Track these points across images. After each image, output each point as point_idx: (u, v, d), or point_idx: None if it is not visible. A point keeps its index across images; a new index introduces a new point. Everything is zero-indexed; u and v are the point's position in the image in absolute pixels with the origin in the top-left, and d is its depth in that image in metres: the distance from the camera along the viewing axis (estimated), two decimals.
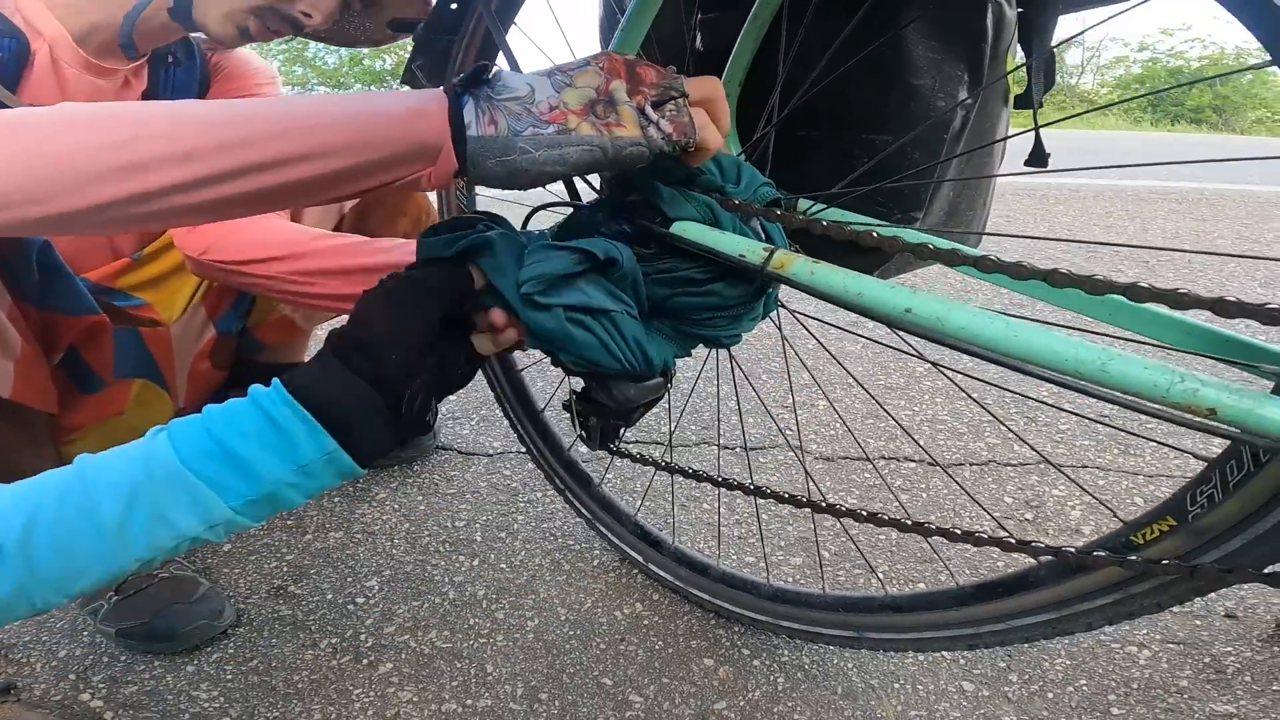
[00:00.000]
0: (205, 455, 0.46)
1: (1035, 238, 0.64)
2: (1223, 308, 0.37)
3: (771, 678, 0.81)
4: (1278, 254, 2.19)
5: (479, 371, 0.60)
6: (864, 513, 0.59)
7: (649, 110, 0.49)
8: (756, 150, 0.62)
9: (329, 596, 0.98)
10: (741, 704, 0.78)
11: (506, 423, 1.35)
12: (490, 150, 0.48)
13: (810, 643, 0.83)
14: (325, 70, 15.67)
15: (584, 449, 1.08)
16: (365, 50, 15.75)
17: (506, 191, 0.54)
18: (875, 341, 0.74)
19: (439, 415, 1.41)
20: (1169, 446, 0.75)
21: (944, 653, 0.83)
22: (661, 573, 0.90)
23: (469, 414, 1.43)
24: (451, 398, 1.51)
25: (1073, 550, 0.53)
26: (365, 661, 0.87)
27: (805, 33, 0.55)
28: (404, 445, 1.27)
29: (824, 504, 0.62)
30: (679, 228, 0.51)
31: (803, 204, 0.62)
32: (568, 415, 0.70)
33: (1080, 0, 0.63)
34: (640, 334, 0.53)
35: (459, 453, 1.30)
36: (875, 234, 0.44)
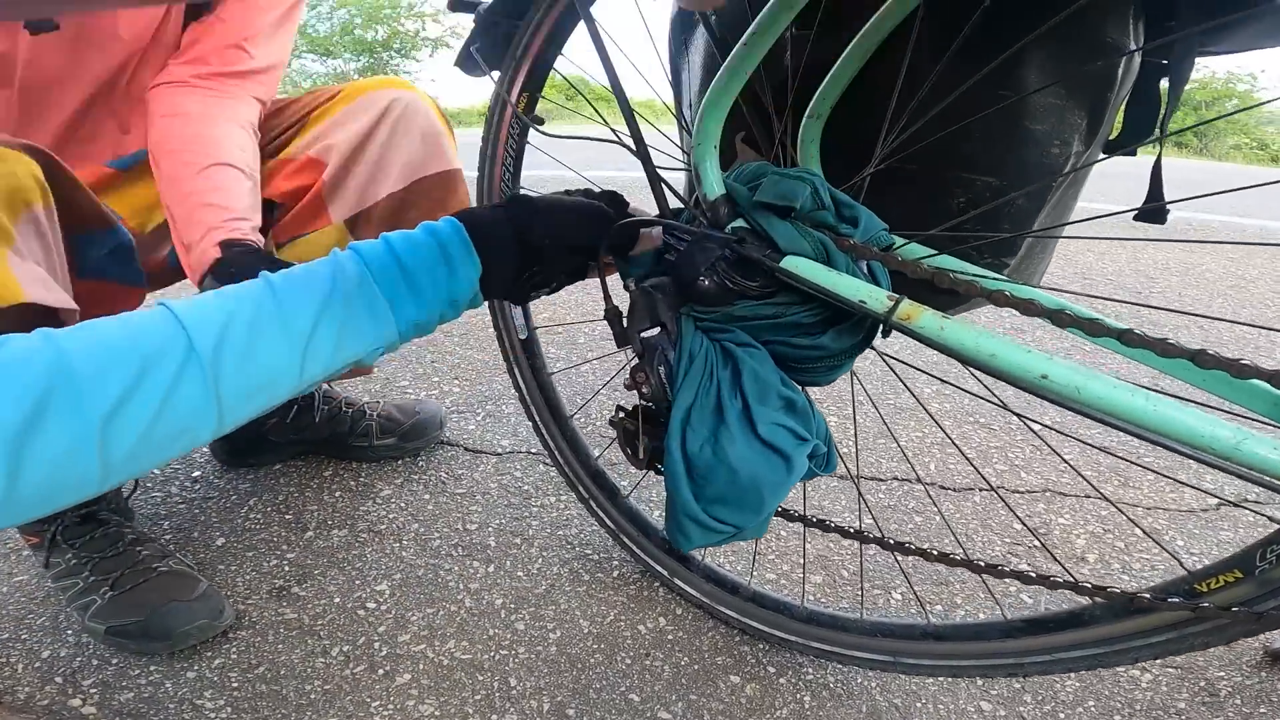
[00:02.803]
0: (389, 273, 0.51)
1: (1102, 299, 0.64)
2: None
3: (798, 696, 0.82)
4: (1261, 287, 2.27)
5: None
6: (934, 552, 0.59)
7: None
8: (855, 191, 0.61)
9: (336, 600, 0.95)
10: None
11: (517, 421, 1.33)
12: None
13: (840, 664, 0.84)
14: (315, 38, 15.08)
15: (605, 457, 1.07)
16: (358, 20, 15.29)
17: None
18: (888, 356, 0.75)
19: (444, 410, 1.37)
20: (1182, 483, 0.79)
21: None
22: (687, 588, 0.90)
23: (474, 408, 1.40)
24: (455, 390, 1.47)
25: (1164, 599, 0.55)
26: (381, 671, 0.84)
27: (919, 69, 0.54)
28: (408, 437, 1.24)
29: (887, 540, 0.62)
30: (791, 263, 0.50)
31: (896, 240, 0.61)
32: (614, 431, 0.69)
33: (1218, 45, 0.63)
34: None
35: (466, 449, 1.27)
36: (1007, 293, 0.44)
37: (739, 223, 0.54)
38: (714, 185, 0.56)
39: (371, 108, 1.01)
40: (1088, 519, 1.08)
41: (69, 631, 0.92)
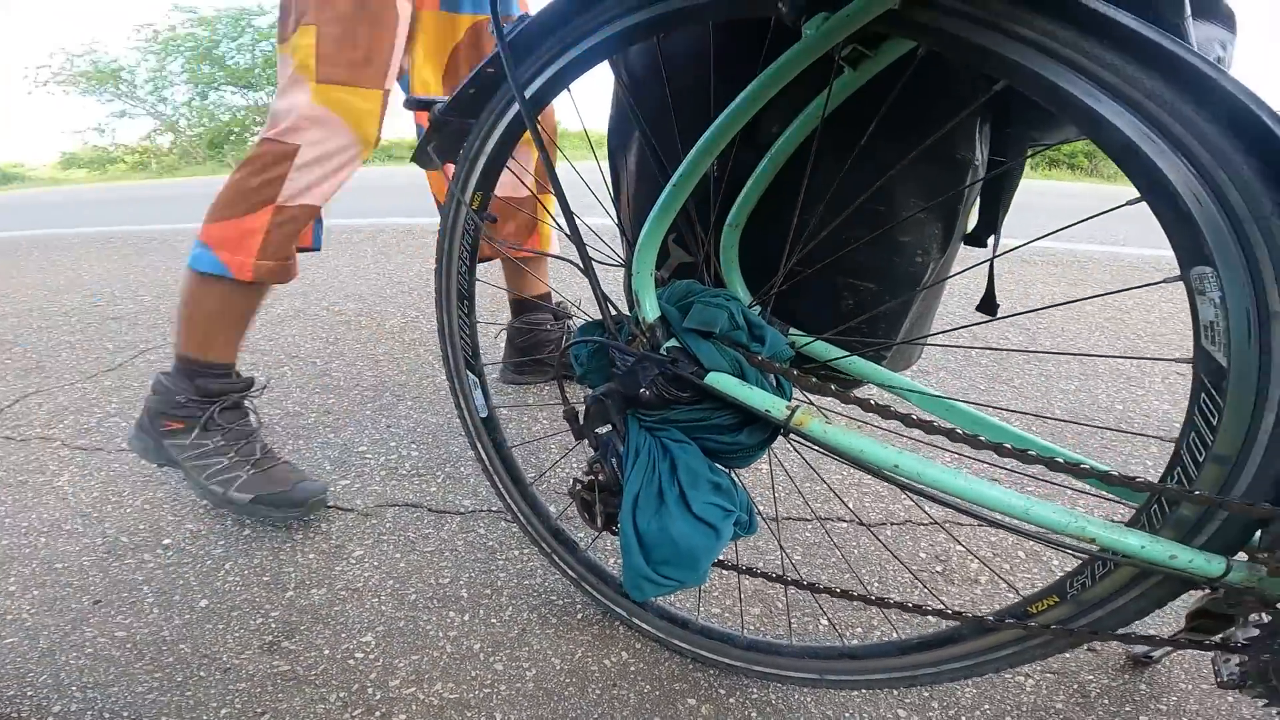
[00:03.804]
0: None
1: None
2: (1110, 479, 0.55)
3: (747, 713, 0.95)
4: (1135, 319, 2.49)
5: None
6: (839, 590, 0.75)
7: None
8: (767, 303, 0.77)
9: (325, 652, 1.04)
10: None
11: (476, 481, 1.44)
12: None
13: (779, 683, 0.98)
14: (236, 70, 14.80)
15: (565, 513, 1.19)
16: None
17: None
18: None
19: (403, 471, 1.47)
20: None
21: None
22: (644, 625, 1.03)
23: (434, 471, 1.50)
24: (415, 453, 1.58)
25: (993, 618, 0.71)
26: (378, 714, 0.94)
27: (817, 189, 0.69)
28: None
29: (803, 581, 0.77)
30: (713, 378, 0.65)
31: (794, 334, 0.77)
32: (571, 500, 0.82)
33: (1046, 138, 0.75)
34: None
35: (430, 510, 1.37)
36: (871, 401, 0.59)
37: (672, 342, 0.69)
38: (650, 310, 0.71)
39: None
40: (980, 545, 1.26)
41: (74, 688, 0.99)
